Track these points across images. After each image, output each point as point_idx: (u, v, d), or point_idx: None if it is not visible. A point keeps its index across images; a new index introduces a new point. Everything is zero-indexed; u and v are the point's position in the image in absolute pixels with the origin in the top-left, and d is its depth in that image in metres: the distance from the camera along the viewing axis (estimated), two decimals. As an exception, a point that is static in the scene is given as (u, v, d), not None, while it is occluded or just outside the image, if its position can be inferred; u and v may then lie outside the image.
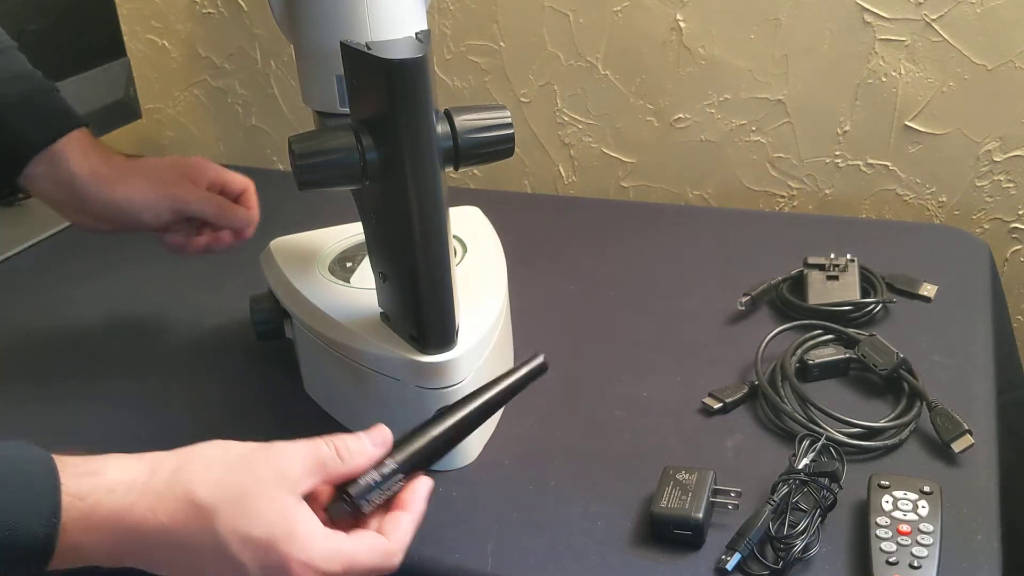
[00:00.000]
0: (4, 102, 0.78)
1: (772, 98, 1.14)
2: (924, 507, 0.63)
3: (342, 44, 0.63)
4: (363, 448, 0.57)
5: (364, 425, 0.77)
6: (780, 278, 0.92)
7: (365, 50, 0.61)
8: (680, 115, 1.18)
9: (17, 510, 0.48)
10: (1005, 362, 0.89)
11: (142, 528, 0.50)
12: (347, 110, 0.68)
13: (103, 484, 0.50)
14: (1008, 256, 1.13)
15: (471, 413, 0.61)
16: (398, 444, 0.59)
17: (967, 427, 0.70)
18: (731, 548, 0.62)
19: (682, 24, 1.13)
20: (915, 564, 0.59)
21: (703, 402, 0.78)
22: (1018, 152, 1.07)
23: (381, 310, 0.73)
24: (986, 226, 1.12)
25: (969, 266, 0.96)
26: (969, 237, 1.03)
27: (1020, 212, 1.11)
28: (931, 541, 0.61)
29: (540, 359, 0.63)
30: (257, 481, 0.52)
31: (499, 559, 0.64)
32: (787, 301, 0.90)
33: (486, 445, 0.75)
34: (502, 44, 1.23)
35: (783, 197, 1.19)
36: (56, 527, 0.48)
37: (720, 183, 1.21)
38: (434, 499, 0.70)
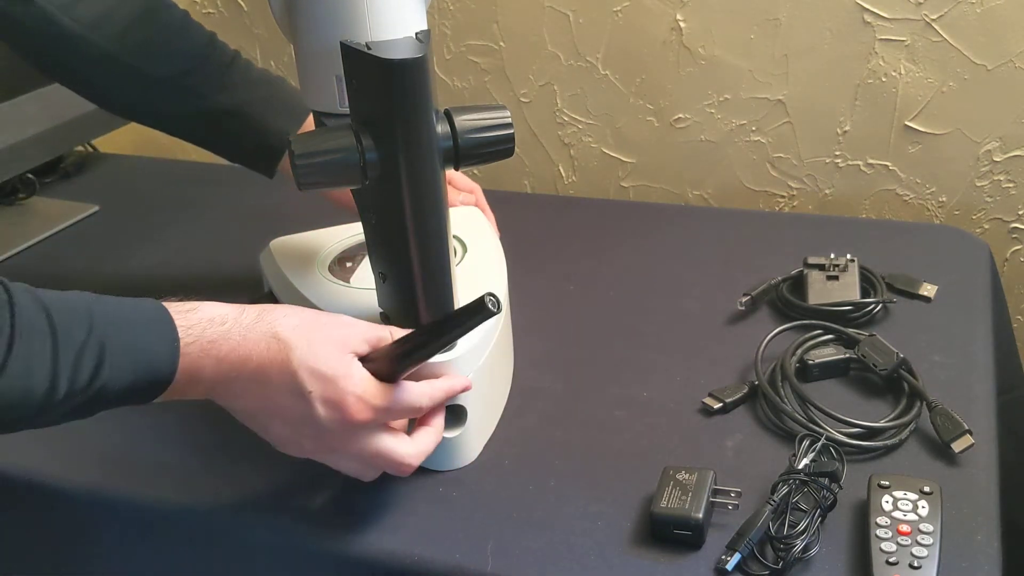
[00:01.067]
0: (255, 105, 0.86)
1: (772, 98, 1.14)
2: (924, 507, 0.63)
3: (342, 44, 0.63)
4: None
5: (364, 425, 0.77)
6: (780, 278, 0.92)
7: (365, 50, 0.61)
8: (680, 115, 1.18)
9: (145, 340, 0.58)
10: (1005, 362, 0.89)
11: (230, 358, 0.60)
12: (347, 110, 0.68)
13: (204, 316, 0.60)
14: (1008, 256, 1.13)
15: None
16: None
17: (967, 427, 0.70)
18: (731, 548, 0.62)
19: (682, 24, 1.13)
20: (915, 564, 0.59)
21: (703, 402, 0.78)
22: (1018, 152, 1.07)
23: (381, 310, 0.73)
24: (986, 226, 1.12)
25: (969, 266, 0.96)
26: (969, 237, 1.03)
27: (1020, 212, 1.11)
28: (931, 541, 0.61)
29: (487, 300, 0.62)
30: (326, 332, 0.63)
31: (499, 559, 0.65)
32: (787, 301, 0.90)
33: (486, 445, 0.75)
34: (502, 44, 1.23)
35: (783, 197, 1.19)
36: (177, 349, 0.59)
37: (720, 183, 1.21)
38: (434, 499, 0.70)
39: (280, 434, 0.64)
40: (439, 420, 0.68)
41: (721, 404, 0.77)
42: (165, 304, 0.60)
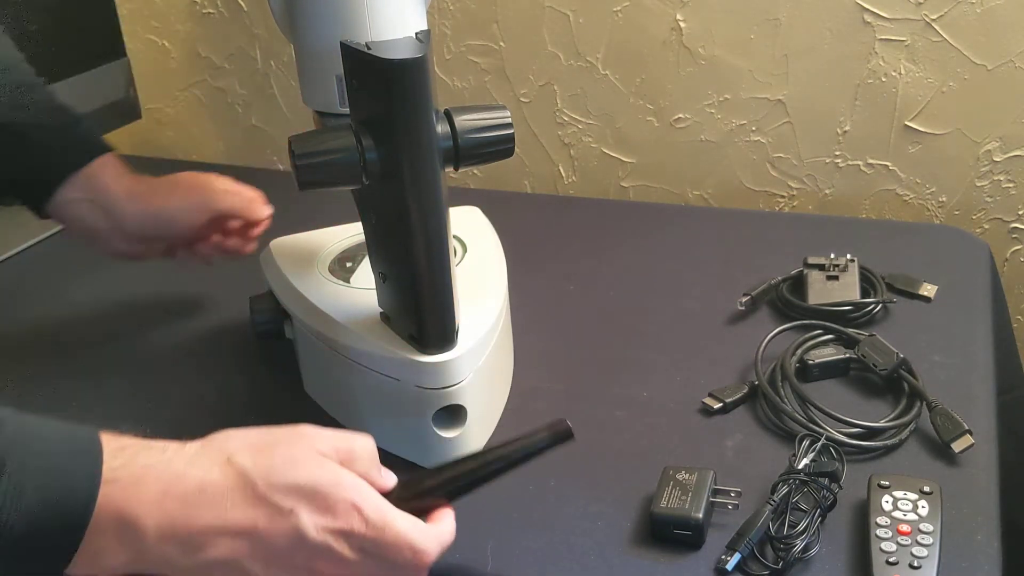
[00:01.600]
0: (42, 131, 0.82)
1: (772, 98, 1.14)
2: (924, 507, 0.63)
3: (342, 44, 0.63)
4: (389, 475, 0.57)
5: (364, 425, 0.77)
6: (780, 278, 0.92)
7: (365, 50, 0.61)
8: (680, 115, 1.18)
9: (62, 462, 0.46)
10: (1005, 362, 0.89)
11: (175, 491, 0.48)
12: (347, 110, 0.68)
13: (141, 443, 0.49)
14: (1008, 256, 1.13)
15: (490, 462, 0.59)
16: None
17: (967, 427, 0.70)
18: (731, 548, 0.62)
19: (682, 24, 1.13)
20: (915, 564, 0.59)
21: (703, 402, 0.78)
22: (1018, 152, 1.07)
23: (381, 310, 0.73)
24: (986, 226, 1.12)
25: (969, 266, 0.96)
26: (969, 237, 1.03)
27: (1020, 212, 1.11)
28: (931, 541, 0.61)
29: (565, 425, 0.58)
30: (287, 445, 0.52)
31: (499, 559, 0.64)
32: (787, 301, 0.90)
33: (486, 445, 0.75)
34: (502, 44, 1.23)
35: (783, 197, 1.19)
36: (99, 472, 0.46)
37: (720, 183, 1.21)
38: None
39: None
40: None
41: (721, 404, 0.77)
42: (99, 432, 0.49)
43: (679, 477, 0.66)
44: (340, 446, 0.54)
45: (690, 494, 0.65)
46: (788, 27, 1.10)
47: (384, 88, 0.61)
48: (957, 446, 0.70)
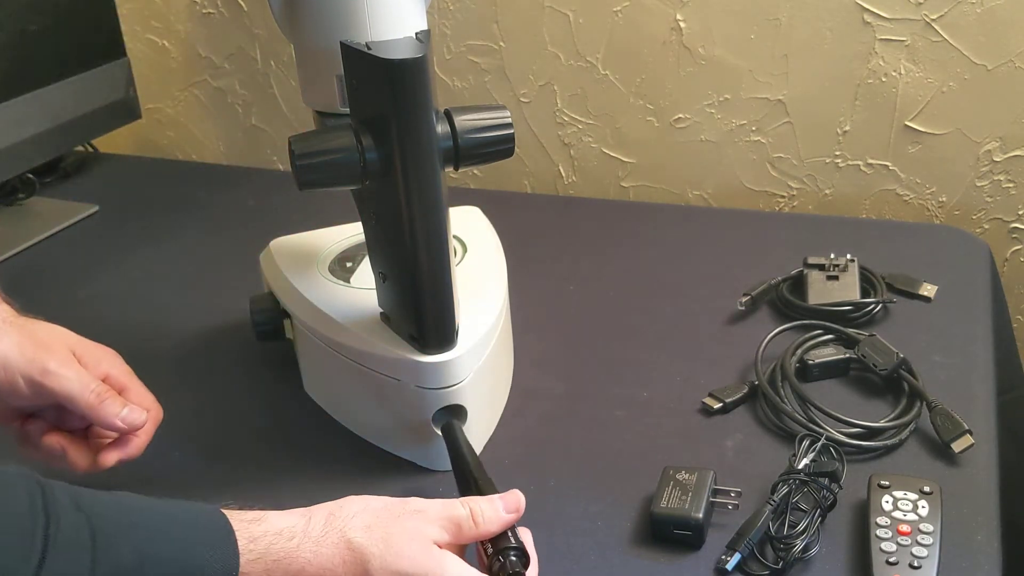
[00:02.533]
0: None
1: (772, 98, 1.14)
2: (924, 507, 0.63)
3: (342, 44, 0.63)
4: (496, 514, 0.58)
5: (364, 425, 0.77)
6: (780, 278, 0.92)
7: (365, 50, 0.61)
8: (680, 115, 1.18)
9: (199, 555, 0.50)
10: (1005, 362, 0.89)
11: (307, 572, 0.52)
12: (347, 110, 0.68)
13: (271, 529, 0.53)
14: (1008, 256, 1.13)
15: None
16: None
17: (967, 427, 0.70)
18: (731, 548, 0.62)
19: (682, 24, 1.13)
20: (915, 564, 0.59)
21: (703, 402, 0.78)
22: (1018, 152, 1.07)
23: (381, 310, 0.73)
24: (986, 226, 1.12)
25: (969, 266, 0.96)
26: (969, 237, 1.03)
27: (1020, 212, 1.11)
28: (931, 541, 0.61)
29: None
30: (401, 527, 0.55)
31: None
32: (787, 301, 0.90)
33: (486, 445, 0.75)
34: (502, 44, 1.23)
35: (783, 197, 1.19)
36: (236, 567, 0.50)
37: (720, 183, 1.21)
38: (434, 499, 0.70)
39: None
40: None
41: (721, 404, 0.77)
42: (226, 512, 0.53)
43: (679, 477, 0.66)
44: (444, 522, 0.57)
45: (690, 494, 0.65)
46: (788, 27, 1.10)
47: (384, 88, 0.61)
48: (957, 446, 0.70)
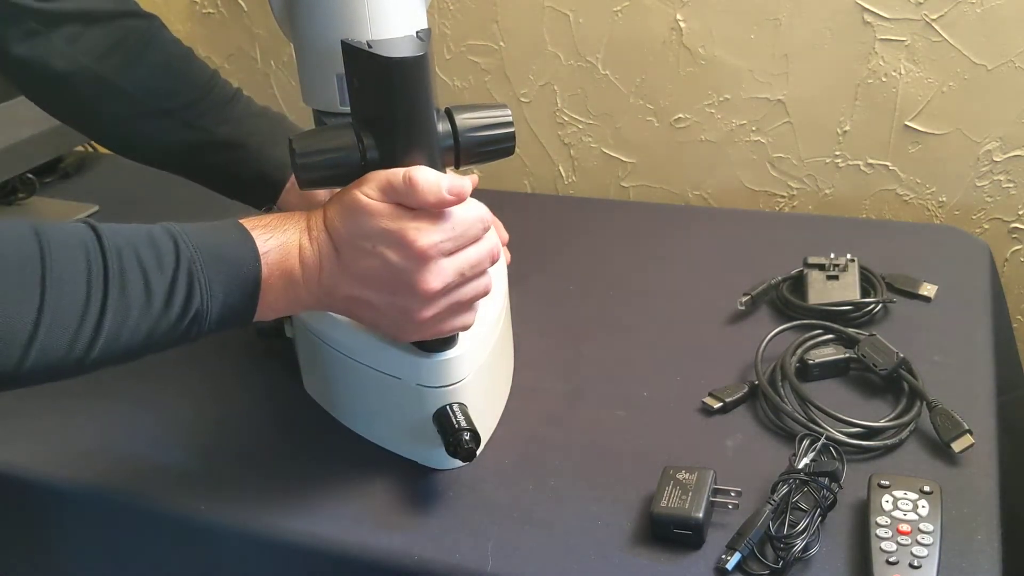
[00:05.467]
0: (256, 136, 0.86)
1: (772, 98, 1.14)
2: (924, 507, 0.63)
3: (343, 43, 0.63)
4: (436, 187, 0.62)
5: (364, 424, 0.77)
6: (780, 278, 0.92)
7: (366, 48, 0.61)
8: (680, 115, 1.18)
9: (230, 256, 0.62)
10: (1005, 362, 0.89)
11: (304, 250, 0.63)
12: (347, 109, 0.68)
13: (271, 225, 0.64)
14: (1008, 256, 1.13)
15: None
16: None
17: (967, 427, 0.70)
18: (731, 548, 0.62)
19: (682, 24, 1.13)
20: (915, 564, 0.59)
21: (703, 402, 0.78)
22: (1018, 152, 1.07)
23: None
24: (986, 226, 1.12)
25: (969, 266, 0.96)
26: (969, 237, 1.03)
27: (1020, 212, 1.11)
28: (931, 541, 0.61)
29: None
30: (342, 199, 0.64)
31: (499, 559, 0.64)
32: (787, 301, 0.90)
33: (486, 445, 0.75)
34: (502, 44, 1.23)
35: (783, 197, 1.19)
36: (257, 253, 0.62)
37: (720, 183, 1.21)
38: (434, 499, 0.70)
39: (386, 302, 0.64)
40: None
41: (721, 404, 0.77)
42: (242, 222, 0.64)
43: (679, 477, 0.66)
44: (381, 182, 0.63)
45: (690, 494, 0.65)
46: (788, 27, 1.10)
47: (385, 86, 0.61)
48: (957, 446, 0.70)
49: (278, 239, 0.63)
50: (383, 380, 0.71)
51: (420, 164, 0.63)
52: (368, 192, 0.62)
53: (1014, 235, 1.12)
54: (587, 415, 0.78)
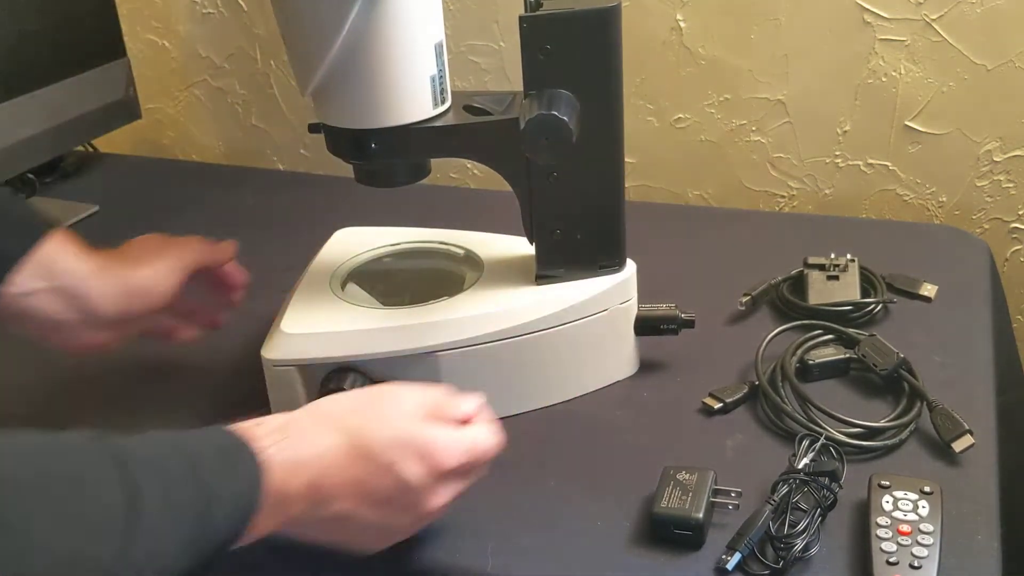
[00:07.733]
0: None
1: (772, 98, 1.14)
2: (924, 507, 0.63)
3: (526, 17, 0.67)
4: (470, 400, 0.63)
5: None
6: (780, 278, 0.92)
7: (571, 10, 0.67)
8: (680, 115, 1.18)
9: (223, 474, 0.52)
10: (1005, 362, 0.89)
11: (311, 463, 0.56)
12: (438, 111, 0.71)
13: (272, 434, 0.55)
14: (1008, 256, 1.13)
15: None
16: None
17: (967, 427, 0.70)
18: (731, 548, 0.62)
19: (682, 24, 1.13)
20: (915, 564, 0.59)
21: (703, 402, 0.78)
22: (1018, 152, 1.07)
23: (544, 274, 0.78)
24: (986, 226, 1.12)
25: (969, 266, 0.96)
26: (969, 237, 1.03)
27: (1020, 212, 1.11)
28: (931, 541, 0.61)
29: None
30: (383, 400, 0.61)
31: (499, 559, 0.64)
32: (787, 301, 0.90)
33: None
34: (502, 44, 1.23)
35: (783, 197, 1.19)
36: (260, 477, 0.53)
37: (720, 183, 1.21)
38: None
39: (374, 522, 0.60)
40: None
41: (721, 404, 0.77)
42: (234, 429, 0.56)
43: (679, 477, 0.66)
44: (427, 400, 0.61)
45: (690, 494, 0.65)
46: (788, 27, 1.10)
47: (599, 35, 0.68)
48: (957, 446, 0.70)
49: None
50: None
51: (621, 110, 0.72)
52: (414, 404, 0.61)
53: (1014, 235, 1.12)
54: (587, 415, 0.78)
